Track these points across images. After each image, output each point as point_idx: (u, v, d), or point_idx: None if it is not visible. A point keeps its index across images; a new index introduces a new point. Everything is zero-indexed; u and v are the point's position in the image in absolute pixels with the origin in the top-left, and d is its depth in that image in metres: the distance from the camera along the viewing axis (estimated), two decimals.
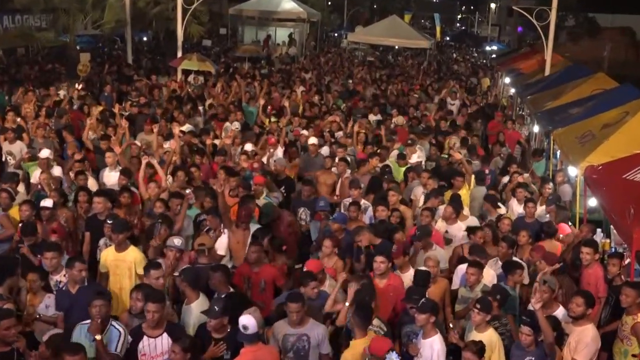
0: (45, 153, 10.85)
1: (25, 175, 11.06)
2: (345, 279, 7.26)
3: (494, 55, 40.10)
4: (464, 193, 11.07)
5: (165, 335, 6.37)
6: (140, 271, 7.63)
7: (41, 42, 23.74)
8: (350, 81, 24.86)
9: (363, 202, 10.39)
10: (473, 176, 11.87)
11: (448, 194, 10.85)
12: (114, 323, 6.41)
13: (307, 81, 23.97)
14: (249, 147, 12.46)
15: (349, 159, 12.41)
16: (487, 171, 12.42)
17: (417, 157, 13.14)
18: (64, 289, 7.24)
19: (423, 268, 7.69)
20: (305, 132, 14.18)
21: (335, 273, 7.76)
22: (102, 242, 8.55)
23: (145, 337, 6.37)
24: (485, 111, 20.08)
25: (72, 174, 10.70)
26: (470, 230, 9.18)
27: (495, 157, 14.14)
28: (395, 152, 13.36)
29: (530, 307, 6.96)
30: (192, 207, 9.73)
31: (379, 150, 12.89)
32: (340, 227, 9.05)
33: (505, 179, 12.40)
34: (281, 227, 9.74)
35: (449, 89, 21.95)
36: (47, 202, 9.02)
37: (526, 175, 12.21)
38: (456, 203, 10.13)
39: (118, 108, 15.08)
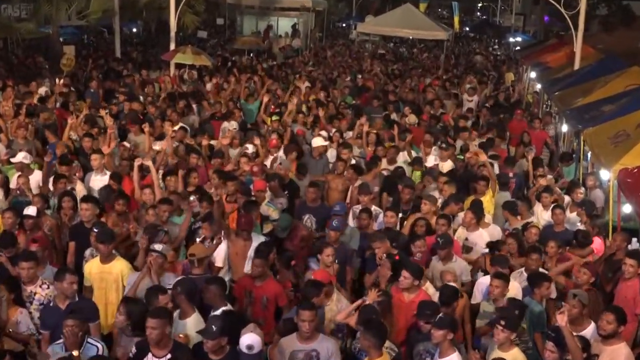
0: (19, 156, 10.89)
1: (4, 179, 11.09)
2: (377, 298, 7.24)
3: (518, 48, 40.03)
4: (487, 200, 11.07)
5: (169, 357, 6.29)
6: None
7: (21, 33, 23.85)
8: (360, 76, 24.89)
9: (374, 208, 10.43)
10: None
11: (469, 201, 10.85)
12: (89, 340, 6.43)
13: (313, 76, 24.01)
14: (250, 148, 12.48)
15: (358, 161, 12.42)
16: (511, 174, 12.42)
17: (433, 159, 13.13)
18: (51, 304, 7.25)
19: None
20: (325, 133, 14.13)
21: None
22: (88, 252, 8.57)
23: (150, 355, 6.33)
24: (503, 107, 19.96)
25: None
26: (494, 246, 9.18)
27: (519, 159, 14.13)
28: (403, 154, 13.38)
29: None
30: (184, 213, 9.76)
31: (388, 150, 12.93)
32: (338, 236, 9.08)
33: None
34: (294, 241, 9.68)
35: (465, 84, 21.94)
36: (31, 210, 9.02)
37: (549, 177, 12.21)
38: (477, 208, 10.14)
39: (103, 108, 15.09)
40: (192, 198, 9.40)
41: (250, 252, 8.51)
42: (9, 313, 7.18)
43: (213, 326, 6.30)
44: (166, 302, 6.82)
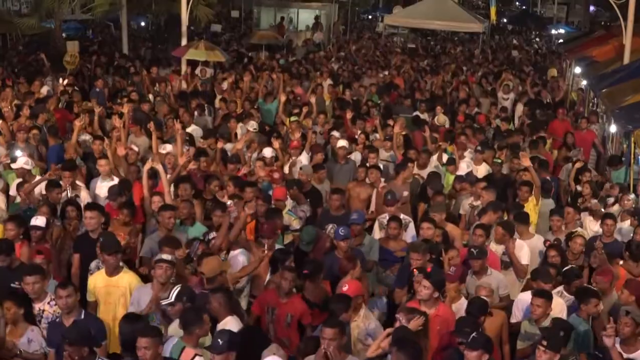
0: (20, 162, 10.95)
1: (5, 185, 11.20)
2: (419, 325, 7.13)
3: (561, 40, 39.79)
4: (530, 208, 11.00)
5: None
6: None
7: (21, 29, 24.07)
8: (387, 72, 24.87)
9: (403, 217, 10.39)
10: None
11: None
12: None
13: (336, 73, 24.03)
14: (267, 152, 12.51)
15: (384, 166, 12.41)
16: (548, 178, 12.37)
17: (466, 166, 13.07)
18: (57, 320, 7.31)
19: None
20: (336, 133, 14.19)
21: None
22: (93, 265, 8.62)
23: None
24: (544, 106, 19.81)
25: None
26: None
27: (563, 163, 14.03)
28: (434, 158, 13.36)
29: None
30: (197, 223, 9.81)
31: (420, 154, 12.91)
32: (348, 245, 9.04)
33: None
34: (319, 255, 9.55)
35: (501, 81, 21.85)
36: (39, 221, 9.00)
37: (594, 201, 12.05)
38: (522, 218, 10.08)
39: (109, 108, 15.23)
40: (229, 202, 9.35)
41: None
42: (21, 330, 7.19)
43: (219, 340, 6.31)
44: (208, 321, 6.84)
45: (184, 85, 19.44)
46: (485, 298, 7.67)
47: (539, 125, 16.46)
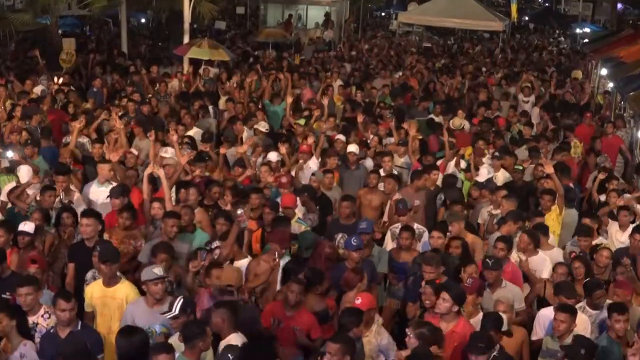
0: (23, 173, 10.96)
1: None
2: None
3: (586, 40, 39.74)
4: (552, 218, 10.99)
5: None
6: None
7: (15, 25, 24.16)
8: (401, 73, 24.87)
9: (417, 227, 10.39)
10: None
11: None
12: None
13: (347, 73, 24.05)
14: (273, 156, 12.53)
15: (398, 172, 12.39)
16: (571, 184, 12.35)
17: (487, 172, 13.04)
18: (51, 331, 7.31)
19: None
20: (341, 137, 14.18)
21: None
22: (89, 275, 8.63)
23: None
24: (568, 108, 19.78)
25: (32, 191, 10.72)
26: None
27: (592, 169, 14.00)
28: (451, 164, 13.35)
29: None
30: (199, 230, 9.83)
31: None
32: (360, 256, 9.04)
33: (602, 197, 12.29)
34: (317, 261, 9.53)
35: (521, 83, 21.84)
36: (28, 227, 9.06)
37: (627, 196, 12.04)
38: (541, 229, 10.05)
39: (108, 109, 15.25)
40: (239, 212, 9.34)
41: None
42: (10, 344, 7.16)
43: (230, 355, 6.33)
44: (211, 334, 6.83)
45: (173, 84, 19.43)
46: (502, 314, 7.64)
47: (566, 129, 16.44)
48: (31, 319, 7.55)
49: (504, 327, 7.53)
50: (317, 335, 7.86)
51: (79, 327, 7.26)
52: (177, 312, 7.14)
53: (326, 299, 8.37)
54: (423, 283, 8.27)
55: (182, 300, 7.26)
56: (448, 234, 9.89)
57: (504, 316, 7.64)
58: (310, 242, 9.89)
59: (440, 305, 7.56)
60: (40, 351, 7.22)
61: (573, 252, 9.97)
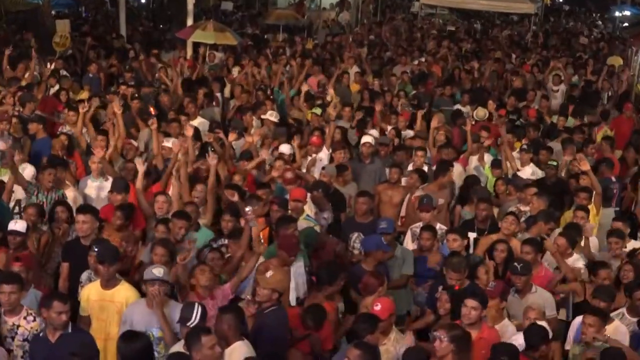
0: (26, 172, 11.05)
1: None
2: None
3: (626, 24, 39.58)
4: (590, 218, 10.96)
5: None
6: None
7: (5, 5, 24.24)
8: (423, 59, 24.82)
9: (439, 226, 10.42)
10: None
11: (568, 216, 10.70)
12: None
13: (364, 59, 24.02)
14: (285, 149, 12.53)
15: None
16: (613, 178, 12.29)
17: (531, 172, 12.94)
18: (41, 335, 7.34)
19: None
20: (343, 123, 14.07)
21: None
22: (84, 276, 8.67)
23: None
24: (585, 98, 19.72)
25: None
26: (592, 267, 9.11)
27: (632, 165, 13.95)
28: (474, 159, 13.36)
29: None
30: (203, 228, 9.89)
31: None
32: (387, 257, 9.09)
33: None
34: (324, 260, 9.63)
35: (550, 70, 21.78)
36: (19, 226, 9.02)
37: None
38: (574, 231, 10.05)
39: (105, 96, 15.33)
40: (247, 209, 9.28)
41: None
42: None
43: None
44: (212, 345, 6.75)
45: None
46: (544, 324, 7.64)
47: (603, 116, 16.43)
48: (11, 320, 7.56)
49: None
50: (329, 347, 7.93)
51: (69, 330, 7.26)
52: (197, 320, 7.18)
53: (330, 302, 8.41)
54: (440, 288, 8.29)
55: (201, 307, 7.29)
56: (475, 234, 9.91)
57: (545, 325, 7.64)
58: (312, 240, 9.82)
59: (470, 314, 7.59)
60: (30, 354, 7.28)
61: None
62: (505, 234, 10.03)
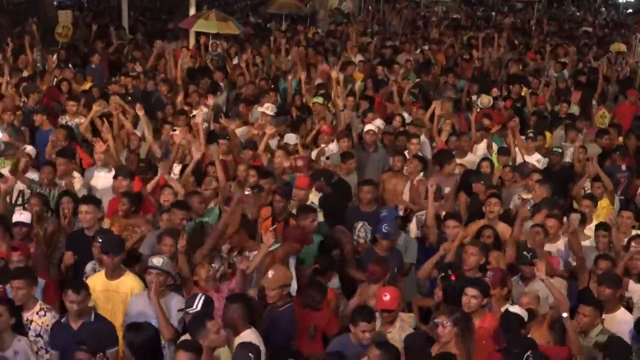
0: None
1: None
2: None
3: (629, 10, 39.49)
4: (603, 207, 11.08)
5: None
6: None
7: None
8: (427, 47, 24.77)
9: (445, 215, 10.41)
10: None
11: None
12: None
13: (368, 47, 23.97)
14: (291, 139, 12.56)
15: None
16: (623, 167, 12.30)
17: (537, 159, 12.94)
18: (62, 321, 7.38)
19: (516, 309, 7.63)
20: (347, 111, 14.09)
21: None
22: (89, 267, 8.71)
23: None
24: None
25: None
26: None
27: (632, 154, 13.93)
28: (482, 146, 13.31)
29: None
30: (214, 208, 9.92)
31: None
32: (390, 245, 9.13)
33: None
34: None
35: (554, 57, 21.73)
36: (24, 217, 9.07)
37: None
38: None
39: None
40: (247, 192, 9.33)
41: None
42: (7, 341, 7.18)
43: (250, 354, 6.45)
44: (217, 330, 6.79)
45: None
46: (516, 310, 7.58)
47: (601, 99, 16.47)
48: (25, 315, 7.59)
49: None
50: (334, 332, 7.96)
51: (92, 318, 7.33)
52: (199, 308, 7.19)
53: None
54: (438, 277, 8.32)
55: (204, 296, 7.31)
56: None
57: (523, 313, 7.58)
58: (322, 230, 9.82)
59: (469, 302, 7.58)
60: (51, 339, 7.34)
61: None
62: (490, 217, 10.03)
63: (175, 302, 7.76)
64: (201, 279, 8.07)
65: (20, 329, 7.46)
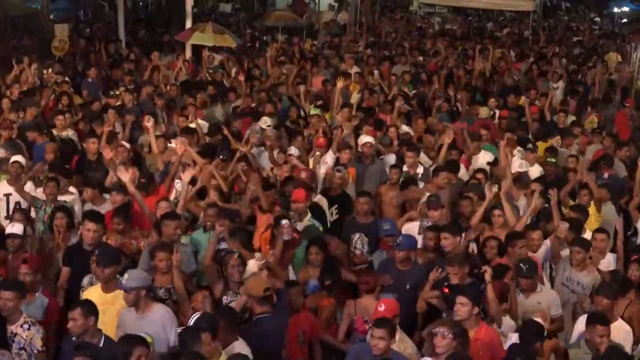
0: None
1: None
2: None
3: (624, 20, 39.61)
4: (592, 214, 11.01)
5: None
6: None
7: (4, 9, 24.23)
8: (421, 58, 24.80)
9: None
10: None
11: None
12: None
13: (364, 59, 23.99)
14: (294, 151, 12.67)
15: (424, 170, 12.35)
16: (606, 175, 12.34)
17: (517, 164, 12.85)
18: (73, 338, 7.31)
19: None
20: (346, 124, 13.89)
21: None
22: (86, 280, 8.67)
23: None
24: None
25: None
26: None
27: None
28: (482, 157, 13.32)
29: None
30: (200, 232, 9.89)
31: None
32: (408, 256, 9.09)
33: None
34: None
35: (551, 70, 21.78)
36: (16, 228, 9.13)
37: None
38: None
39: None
40: (284, 222, 9.09)
41: None
42: None
43: None
44: (209, 341, 6.83)
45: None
46: (540, 321, 7.61)
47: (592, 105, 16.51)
48: (10, 328, 7.56)
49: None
50: (319, 335, 8.17)
51: (102, 343, 7.24)
52: (191, 322, 7.16)
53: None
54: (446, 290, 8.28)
55: (197, 314, 7.28)
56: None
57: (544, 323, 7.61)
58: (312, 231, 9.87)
59: (459, 310, 7.56)
60: (64, 355, 7.31)
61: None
62: (496, 228, 10.03)
63: (163, 315, 7.69)
64: (198, 302, 8.02)
65: (4, 342, 7.44)
